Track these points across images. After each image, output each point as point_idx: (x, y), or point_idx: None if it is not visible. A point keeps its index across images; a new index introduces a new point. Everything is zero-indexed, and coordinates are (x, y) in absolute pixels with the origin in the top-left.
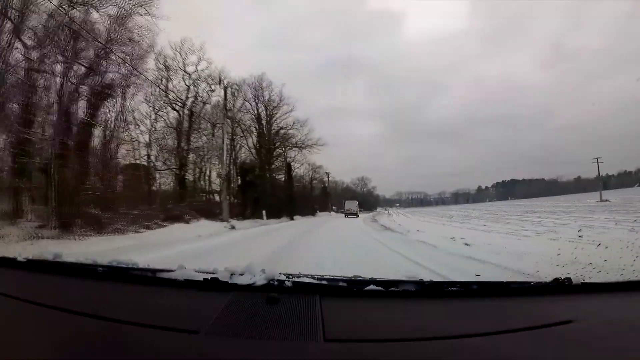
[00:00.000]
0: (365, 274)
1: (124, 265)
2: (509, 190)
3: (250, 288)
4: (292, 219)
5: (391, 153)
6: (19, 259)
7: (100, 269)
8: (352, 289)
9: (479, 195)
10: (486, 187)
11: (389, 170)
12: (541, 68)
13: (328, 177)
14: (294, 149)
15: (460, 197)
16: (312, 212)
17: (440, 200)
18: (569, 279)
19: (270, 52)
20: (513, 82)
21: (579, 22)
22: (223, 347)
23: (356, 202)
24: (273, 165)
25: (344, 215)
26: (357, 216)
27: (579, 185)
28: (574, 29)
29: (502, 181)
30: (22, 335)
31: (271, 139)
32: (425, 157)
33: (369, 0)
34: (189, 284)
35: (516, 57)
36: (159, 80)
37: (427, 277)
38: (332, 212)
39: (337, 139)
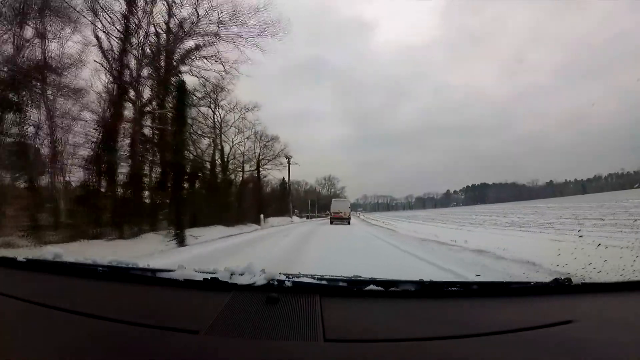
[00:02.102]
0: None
1: (124, 265)
2: (480, 194)
3: (250, 288)
4: (180, 241)
5: (357, 157)
6: (19, 259)
7: (100, 269)
8: (352, 289)
9: (447, 200)
10: (455, 191)
11: (355, 174)
12: (502, 80)
13: (289, 161)
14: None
15: (427, 202)
16: (255, 219)
17: (408, 205)
18: (569, 279)
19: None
20: (475, 92)
21: (540, 39)
22: (223, 347)
23: (348, 202)
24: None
25: (329, 221)
26: (349, 223)
27: (556, 189)
28: (535, 45)
29: (472, 185)
30: (22, 335)
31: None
32: (391, 161)
33: (340, 7)
34: (189, 284)
35: (480, 69)
36: None
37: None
38: (295, 217)
39: (302, 142)
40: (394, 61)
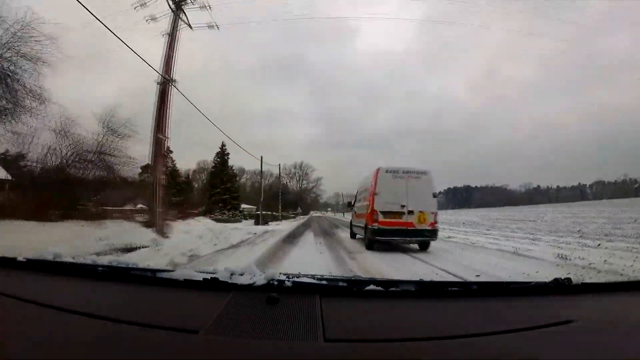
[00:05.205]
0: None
1: (124, 265)
2: (463, 197)
3: (250, 288)
4: None
5: (330, 157)
6: (19, 259)
7: (100, 269)
8: (352, 289)
9: None
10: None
11: (327, 174)
12: (473, 91)
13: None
14: None
15: None
16: None
17: None
18: (569, 279)
19: (206, 46)
20: (448, 100)
21: (510, 56)
22: (223, 347)
23: (429, 180)
24: None
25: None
26: (426, 248)
27: (550, 195)
28: (505, 62)
29: (454, 187)
30: (22, 335)
31: None
32: (364, 162)
33: (320, 9)
34: (188, 284)
35: (454, 78)
36: None
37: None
38: (208, 223)
39: (273, 141)
40: (369, 65)
